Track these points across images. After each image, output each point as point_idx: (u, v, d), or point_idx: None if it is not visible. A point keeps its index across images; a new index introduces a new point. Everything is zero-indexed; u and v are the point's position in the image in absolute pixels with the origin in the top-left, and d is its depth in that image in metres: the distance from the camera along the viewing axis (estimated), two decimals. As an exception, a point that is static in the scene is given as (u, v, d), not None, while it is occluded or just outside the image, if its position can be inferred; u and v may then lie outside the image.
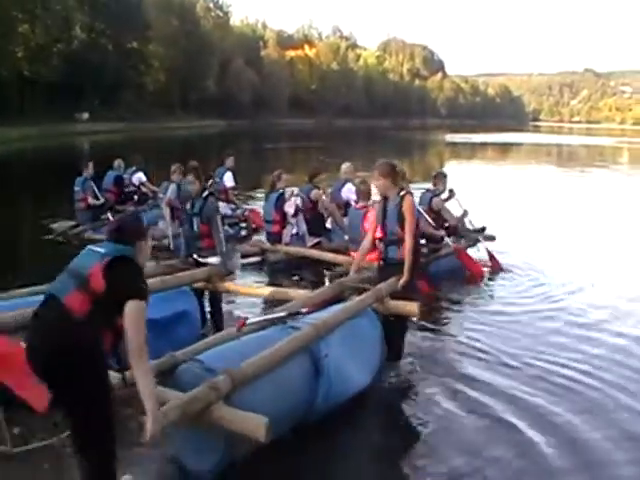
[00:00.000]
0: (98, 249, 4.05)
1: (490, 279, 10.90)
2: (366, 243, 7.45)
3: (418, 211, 10.51)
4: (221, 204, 15.07)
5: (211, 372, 4.61)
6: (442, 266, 10.30)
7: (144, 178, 14.90)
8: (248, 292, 8.34)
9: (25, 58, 65.78)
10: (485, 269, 11.14)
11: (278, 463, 4.96)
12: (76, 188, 13.89)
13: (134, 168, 15.06)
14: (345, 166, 12.38)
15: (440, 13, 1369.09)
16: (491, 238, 11.87)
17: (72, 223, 13.59)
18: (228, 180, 15.19)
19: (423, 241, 10.40)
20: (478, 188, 23.38)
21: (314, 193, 11.58)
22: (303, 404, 5.21)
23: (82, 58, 71.12)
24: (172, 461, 4.98)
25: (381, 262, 7.30)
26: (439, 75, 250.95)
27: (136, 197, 14.82)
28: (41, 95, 66.27)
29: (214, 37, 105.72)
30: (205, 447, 4.69)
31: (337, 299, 6.82)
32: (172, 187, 13.10)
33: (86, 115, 72.86)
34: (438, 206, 10.95)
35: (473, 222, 11.80)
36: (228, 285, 7.97)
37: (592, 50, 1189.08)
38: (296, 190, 11.84)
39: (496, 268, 11.31)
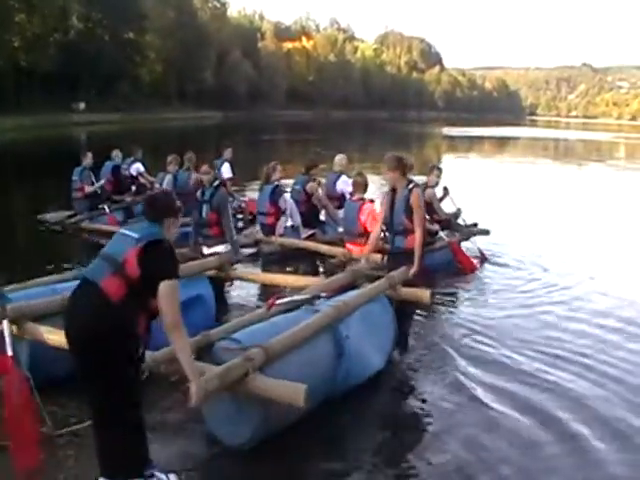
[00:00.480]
0: (131, 233, 4.18)
1: (484, 272, 10.93)
2: (375, 233, 7.65)
3: None
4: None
5: (245, 350, 4.83)
6: (436, 259, 10.32)
7: (142, 168, 14.88)
8: (262, 280, 8.49)
9: (21, 48, 65.62)
10: (477, 263, 11.21)
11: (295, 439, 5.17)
12: (74, 178, 13.87)
13: (132, 158, 15.05)
14: (338, 158, 12.37)
15: (438, 6, 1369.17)
16: (485, 232, 11.90)
17: (68, 213, 13.58)
18: (226, 171, 15.19)
19: None
20: (475, 182, 23.43)
21: (309, 186, 11.57)
22: (326, 382, 5.46)
23: (79, 48, 71.06)
24: (207, 437, 5.15)
25: (389, 251, 7.51)
26: (437, 68, 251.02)
27: (134, 187, 14.81)
28: (37, 85, 66.12)
29: (211, 28, 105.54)
30: (240, 422, 4.90)
31: (350, 286, 6.99)
32: (168, 178, 13.11)
33: (82, 105, 72.76)
34: (430, 198, 10.99)
35: (466, 219, 11.88)
36: (241, 273, 8.19)
37: (590, 45, 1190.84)
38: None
39: (484, 262, 11.42)
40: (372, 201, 9.77)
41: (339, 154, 12.53)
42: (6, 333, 4.73)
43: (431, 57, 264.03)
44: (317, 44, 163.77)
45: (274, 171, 11.44)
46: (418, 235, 7.08)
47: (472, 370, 6.71)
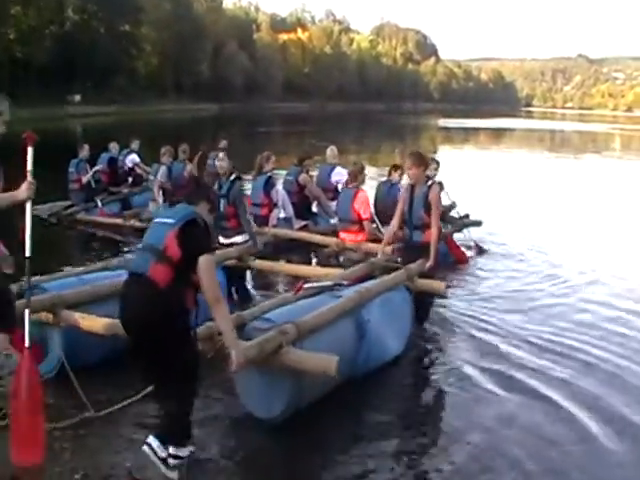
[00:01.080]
0: (166, 220, 4.50)
1: (477, 263, 11.08)
2: (394, 225, 7.94)
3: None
4: (215, 186, 15.18)
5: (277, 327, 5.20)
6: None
7: (137, 159, 14.94)
8: (282, 270, 8.76)
9: (17, 40, 65.46)
10: (470, 254, 11.39)
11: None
12: (70, 169, 13.96)
13: (127, 150, 15.11)
14: (330, 150, 12.52)
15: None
16: (477, 223, 11.99)
17: (64, 204, 13.65)
18: (221, 162, 15.25)
19: None
20: (471, 173, 23.52)
21: (302, 177, 11.58)
22: (349, 362, 5.73)
23: (74, 40, 70.89)
24: (242, 411, 5.52)
25: (405, 244, 7.89)
26: (432, 60, 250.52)
27: (130, 179, 14.87)
28: (33, 77, 65.92)
29: (207, 20, 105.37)
30: (272, 397, 5.26)
31: (368, 277, 7.34)
32: (162, 169, 13.16)
33: (78, 97, 72.58)
34: None
35: (460, 212, 11.99)
36: (260, 263, 8.44)
37: (585, 36, 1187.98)
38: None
39: (481, 253, 11.64)
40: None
41: (330, 146, 12.64)
42: (26, 322, 4.84)
43: (427, 48, 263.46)
44: (313, 36, 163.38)
45: (267, 161, 11.38)
46: (434, 231, 7.46)
47: (482, 363, 6.82)
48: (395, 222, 7.89)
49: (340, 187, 11.44)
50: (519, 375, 6.53)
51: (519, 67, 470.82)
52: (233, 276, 8.29)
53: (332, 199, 11.66)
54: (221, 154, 9.48)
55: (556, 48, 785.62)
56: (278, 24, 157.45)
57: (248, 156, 11.32)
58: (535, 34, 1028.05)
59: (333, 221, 11.01)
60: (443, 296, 7.89)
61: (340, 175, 11.85)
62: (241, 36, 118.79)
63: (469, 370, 6.61)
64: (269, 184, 11.08)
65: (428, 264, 7.36)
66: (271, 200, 11.05)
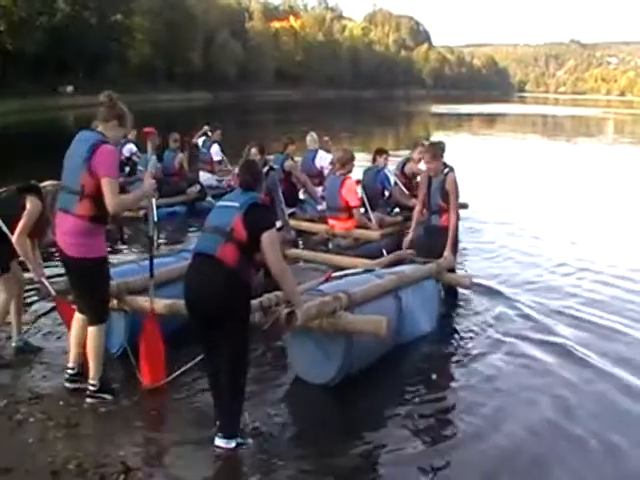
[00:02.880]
0: (231, 204, 4.85)
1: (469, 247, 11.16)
2: (416, 212, 8.56)
3: (394, 181, 10.88)
4: (207, 175, 15.22)
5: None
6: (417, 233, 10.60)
7: (135, 149, 14.86)
8: (312, 258, 8.89)
9: (7, 31, 64.97)
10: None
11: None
12: (65, 160, 13.93)
13: (124, 140, 15.05)
14: (310, 137, 12.70)
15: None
16: (464, 206, 12.07)
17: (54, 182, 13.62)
18: (215, 153, 15.27)
19: (397, 210, 11.18)
20: (463, 159, 23.55)
21: (287, 164, 11.51)
22: (390, 335, 5.98)
23: (65, 31, 70.39)
24: (295, 379, 6.05)
25: (425, 225, 8.42)
26: (425, 46, 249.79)
27: (127, 168, 14.79)
28: (24, 69, 65.51)
29: (199, 9, 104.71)
30: (325, 361, 5.78)
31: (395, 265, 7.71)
32: (153, 160, 13.03)
33: (70, 88, 72.06)
34: (411, 171, 11.19)
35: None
36: (296, 252, 8.74)
37: (578, 21, 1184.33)
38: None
39: None
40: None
41: (310, 132, 12.78)
42: (150, 292, 5.89)
43: (419, 35, 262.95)
44: (305, 23, 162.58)
45: (249, 153, 11.47)
46: (452, 217, 7.95)
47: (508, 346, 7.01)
48: (419, 207, 8.48)
49: (326, 172, 11.55)
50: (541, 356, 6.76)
51: (512, 52, 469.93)
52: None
53: (318, 184, 11.75)
54: (254, 150, 9.56)
55: (549, 33, 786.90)
56: (271, 12, 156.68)
57: (241, 144, 11.45)
58: (528, 19, 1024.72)
59: (320, 207, 11.10)
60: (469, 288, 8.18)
61: (324, 159, 11.99)
62: (233, 24, 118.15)
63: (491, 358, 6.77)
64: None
65: (446, 252, 7.75)
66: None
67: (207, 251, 4.73)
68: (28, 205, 6.06)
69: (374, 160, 11.14)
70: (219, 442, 4.78)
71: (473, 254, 10.67)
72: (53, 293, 6.16)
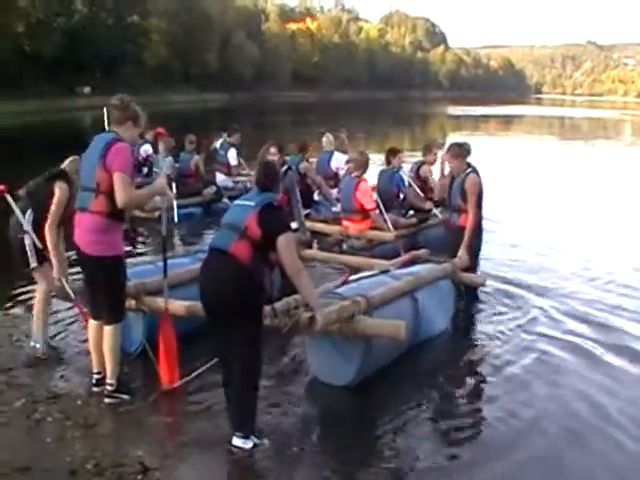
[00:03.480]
0: (247, 202, 4.93)
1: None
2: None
3: (408, 183, 10.88)
4: (222, 177, 15.24)
5: (346, 300, 5.68)
6: (431, 235, 10.63)
7: (151, 150, 14.89)
8: (328, 259, 8.89)
9: (25, 33, 65.36)
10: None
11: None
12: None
13: (141, 140, 15.06)
14: (326, 137, 12.63)
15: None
16: None
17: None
18: (232, 158, 15.28)
19: (411, 212, 11.20)
20: (481, 160, 23.46)
21: (302, 165, 11.49)
22: (407, 335, 6.00)
23: (83, 33, 70.72)
24: (313, 380, 6.06)
25: (447, 224, 8.53)
26: (441, 48, 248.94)
27: (145, 169, 14.78)
28: (42, 70, 65.82)
29: (215, 11, 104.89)
30: (344, 364, 5.81)
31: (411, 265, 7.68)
32: (168, 161, 13.05)
33: (88, 89, 72.28)
34: (425, 174, 11.21)
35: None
36: (312, 253, 8.74)
37: (595, 22, 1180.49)
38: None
39: None
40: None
41: (327, 134, 12.81)
42: (165, 292, 5.97)
43: (435, 37, 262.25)
44: (321, 25, 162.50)
45: (268, 152, 11.54)
46: (471, 218, 7.91)
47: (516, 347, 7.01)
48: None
49: (341, 173, 11.56)
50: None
51: (528, 54, 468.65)
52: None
53: (333, 186, 11.77)
54: (272, 149, 9.60)
55: (565, 34, 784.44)
56: (287, 14, 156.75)
57: (257, 145, 11.54)
58: (544, 21, 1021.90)
59: (335, 209, 11.14)
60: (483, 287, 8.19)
61: (339, 161, 12.02)
62: (249, 26, 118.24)
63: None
64: None
65: (460, 252, 7.75)
66: None
67: (221, 246, 4.82)
68: (57, 192, 6.13)
69: (388, 161, 11.13)
70: (236, 442, 4.81)
71: (490, 254, 10.60)
72: (72, 296, 6.20)
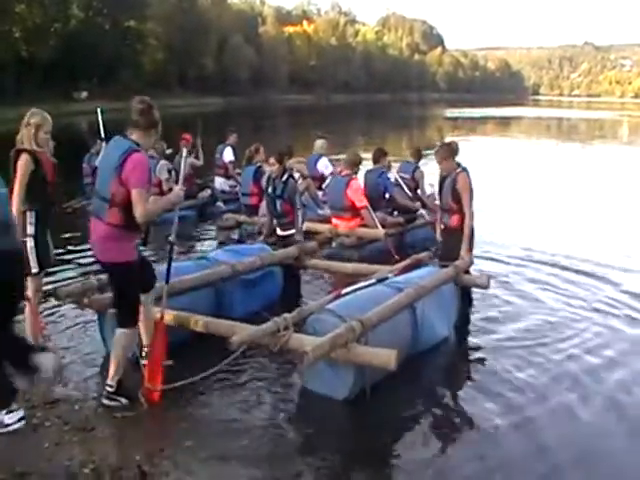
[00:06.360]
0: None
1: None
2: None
3: (396, 183, 10.96)
4: (220, 180, 15.26)
5: (340, 318, 5.62)
6: (418, 236, 10.86)
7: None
8: (335, 269, 8.77)
9: (22, 38, 65.34)
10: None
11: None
12: (84, 165, 14.18)
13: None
14: (319, 143, 13.01)
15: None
16: None
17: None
18: (227, 155, 15.27)
19: (396, 213, 11.31)
20: (476, 163, 23.48)
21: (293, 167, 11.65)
22: (405, 347, 6.18)
23: (80, 37, 70.72)
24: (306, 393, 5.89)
25: (442, 226, 8.38)
26: (438, 50, 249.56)
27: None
28: (39, 75, 65.89)
29: (212, 14, 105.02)
30: (337, 381, 5.67)
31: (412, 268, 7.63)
32: (162, 164, 12.98)
33: (85, 94, 72.38)
34: (420, 177, 11.36)
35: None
36: (315, 262, 8.63)
37: (592, 23, 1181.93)
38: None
39: None
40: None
41: (320, 139, 13.00)
42: (164, 299, 5.86)
43: (433, 39, 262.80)
44: (318, 28, 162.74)
45: (257, 153, 11.77)
46: (467, 217, 7.85)
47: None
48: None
49: (329, 176, 11.72)
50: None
51: (526, 55, 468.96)
52: (289, 274, 8.46)
53: (318, 188, 11.93)
54: (272, 159, 9.60)
55: (562, 36, 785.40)
56: (284, 17, 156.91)
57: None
58: (541, 22, 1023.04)
59: (320, 211, 11.29)
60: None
61: (325, 167, 12.23)
62: (246, 29, 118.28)
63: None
64: (258, 173, 11.38)
65: (462, 252, 7.72)
66: (260, 189, 11.18)
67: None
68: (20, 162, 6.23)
69: (376, 160, 11.15)
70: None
71: (486, 254, 10.59)
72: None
